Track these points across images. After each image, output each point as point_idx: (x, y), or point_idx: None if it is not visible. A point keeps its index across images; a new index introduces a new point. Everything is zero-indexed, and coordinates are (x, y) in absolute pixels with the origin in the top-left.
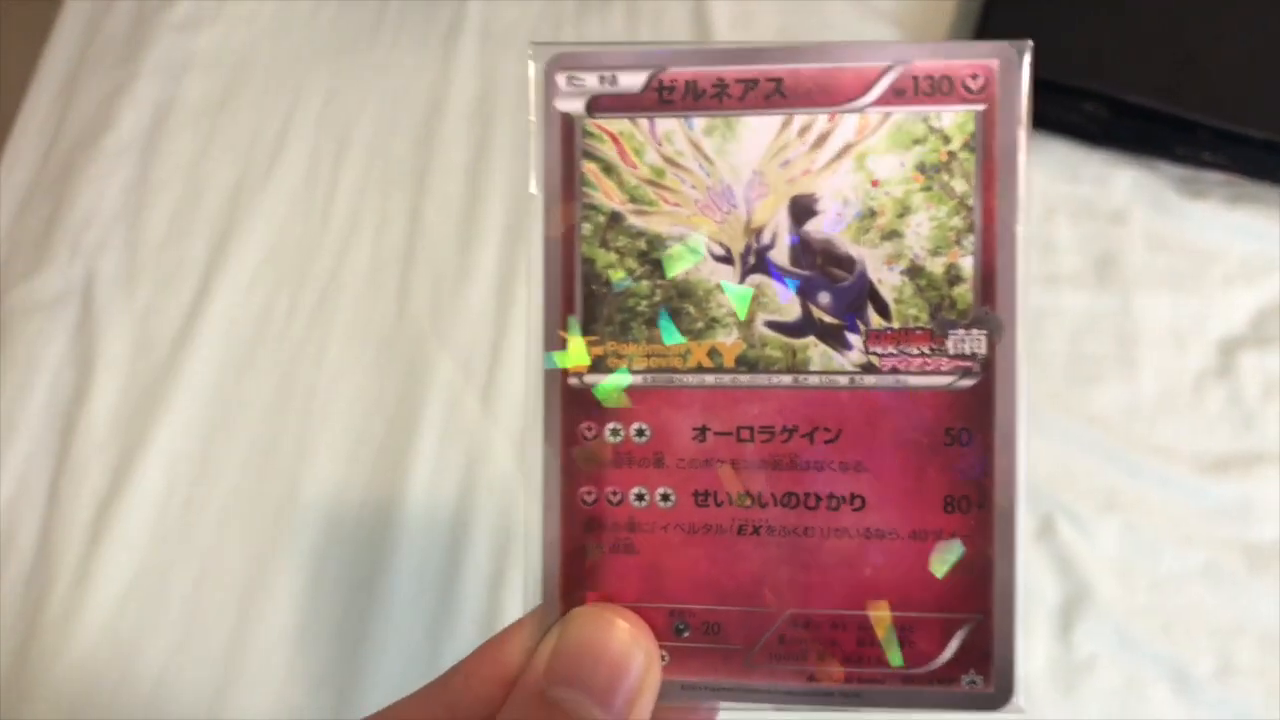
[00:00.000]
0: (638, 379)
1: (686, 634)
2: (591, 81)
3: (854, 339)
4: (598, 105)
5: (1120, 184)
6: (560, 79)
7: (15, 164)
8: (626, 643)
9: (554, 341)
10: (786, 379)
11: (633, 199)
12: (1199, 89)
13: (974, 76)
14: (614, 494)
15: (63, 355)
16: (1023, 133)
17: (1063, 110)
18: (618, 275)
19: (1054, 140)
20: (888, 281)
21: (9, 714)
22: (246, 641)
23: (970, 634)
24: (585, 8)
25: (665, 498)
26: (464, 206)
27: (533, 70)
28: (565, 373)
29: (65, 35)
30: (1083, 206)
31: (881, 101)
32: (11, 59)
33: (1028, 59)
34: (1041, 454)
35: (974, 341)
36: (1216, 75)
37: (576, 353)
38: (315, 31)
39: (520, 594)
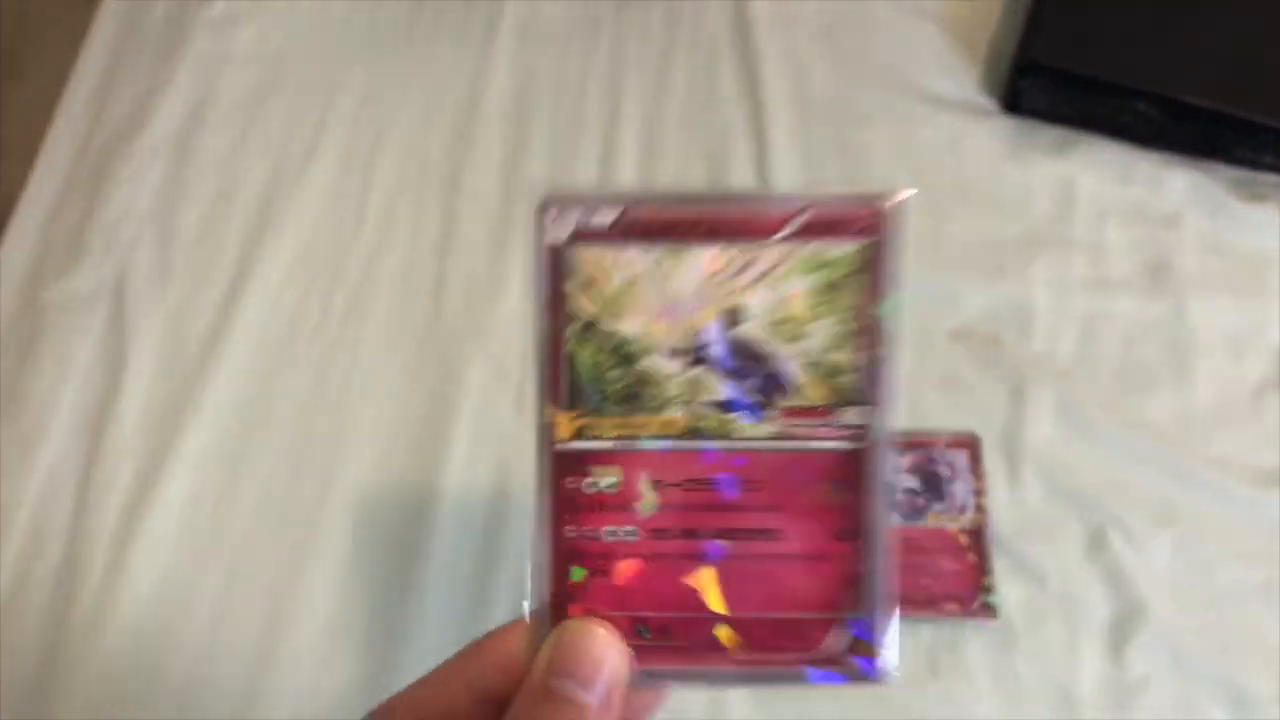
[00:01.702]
0: (609, 444)
1: (646, 635)
2: (574, 217)
3: (771, 414)
4: (579, 236)
5: (1174, 186)
6: (551, 213)
7: (51, 161)
8: (604, 644)
9: (549, 415)
10: (722, 443)
11: (605, 308)
12: (1262, 90)
13: (865, 218)
14: (591, 531)
15: (95, 353)
16: (900, 262)
17: (1114, 111)
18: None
19: (1106, 142)
20: (794, 371)
21: (39, 713)
22: (276, 641)
23: (856, 625)
24: (624, 7)
25: (631, 533)
26: (499, 206)
27: (535, 208)
28: (554, 441)
29: (103, 33)
30: (1135, 209)
31: (793, 238)
32: (50, 56)
33: (906, 206)
34: (1093, 465)
35: (854, 417)
36: None
37: (563, 426)
38: (351, 29)
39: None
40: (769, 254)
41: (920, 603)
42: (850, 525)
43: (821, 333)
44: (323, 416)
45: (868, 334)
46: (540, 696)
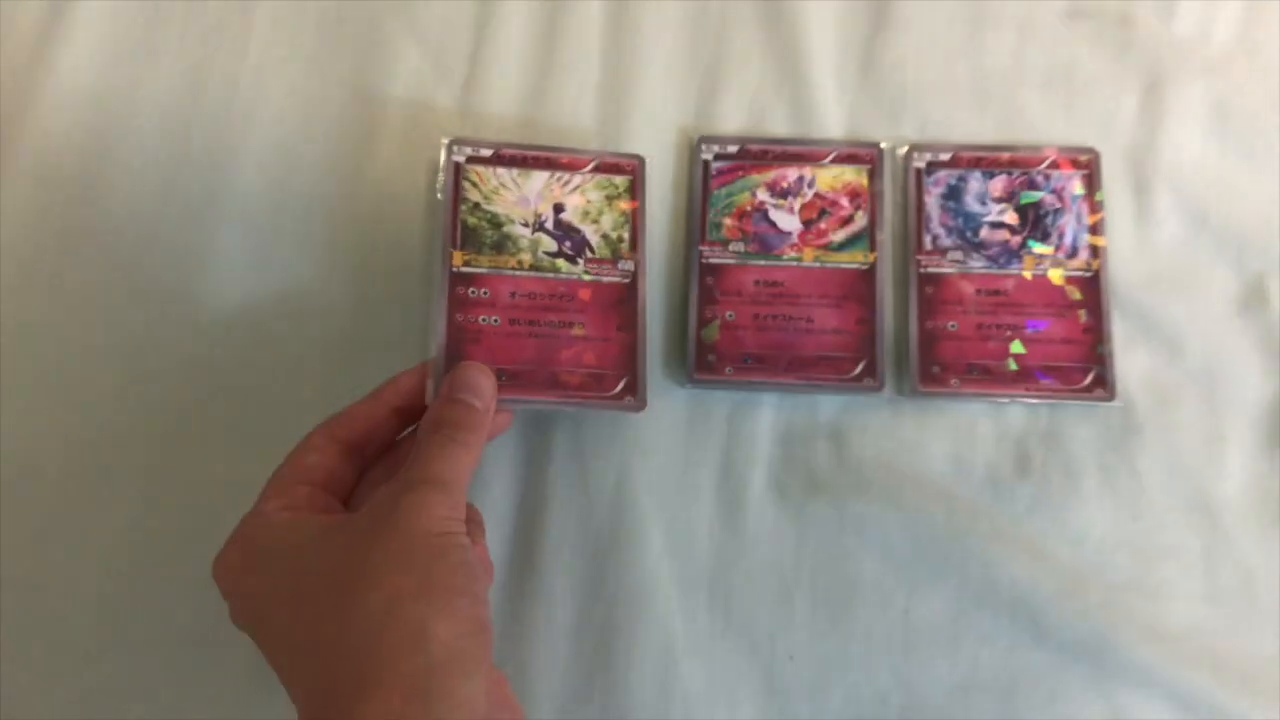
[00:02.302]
0: (485, 270)
1: (503, 379)
2: (469, 150)
3: (580, 261)
4: (471, 160)
5: None
6: (456, 149)
7: None
8: (485, 374)
9: (449, 252)
10: (550, 275)
11: (485, 198)
12: None
13: (628, 165)
14: (472, 319)
15: None
16: (643, 185)
17: None
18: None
19: None
20: (594, 239)
21: None
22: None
23: (627, 379)
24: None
25: (495, 320)
26: None
27: (445, 145)
28: (452, 265)
29: None
30: None
31: (593, 171)
32: None
33: (647, 163)
34: (1254, 191)
35: (627, 266)
36: None
37: (457, 258)
38: None
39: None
40: (579, 177)
41: (1006, 377)
42: (626, 321)
43: (607, 219)
44: (200, 127)
45: (634, 221)
46: (447, 402)
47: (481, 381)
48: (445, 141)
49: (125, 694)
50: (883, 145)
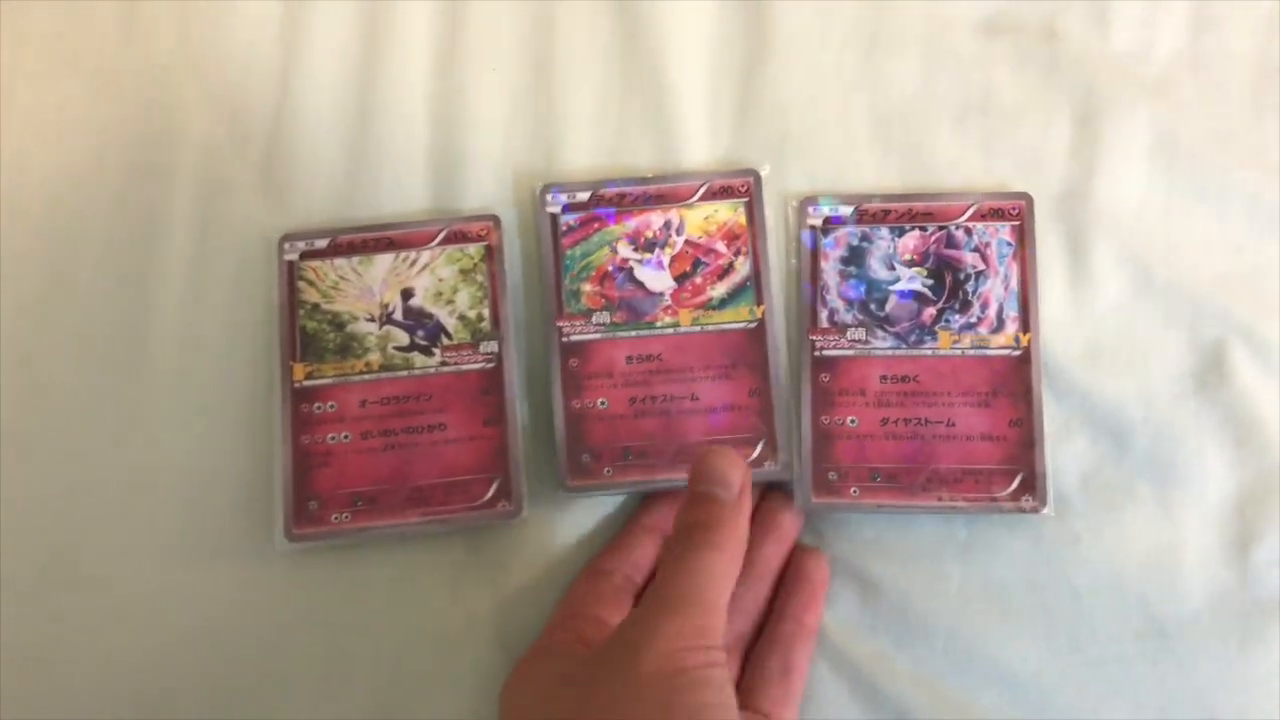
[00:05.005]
0: (330, 380)
1: (360, 504)
2: (303, 245)
3: (436, 351)
4: (306, 255)
5: None
6: (287, 245)
7: None
8: (728, 460)
9: (288, 366)
10: (404, 373)
11: (324, 296)
12: None
13: (484, 230)
14: (319, 438)
15: None
16: (506, 258)
17: None
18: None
19: None
20: (450, 323)
21: None
22: None
23: (500, 484)
24: None
25: (346, 436)
26: None
27: (278, 240)
28: (293, 381)
29: None
30: None
31: (442, 242)
32: None
33: (504, 226)
34: (1211, 241)
35: (489, 347)
36: None
37: (298, 371)
38: None
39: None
40: (427, 254)
41: (915, 485)
42: (494, 414)
43: (464, 299)
44: None
45: (494, 297)
46: (688, 502)
47: (726, 469)
48: (279, 237)
49: None
50: (761, 172)
